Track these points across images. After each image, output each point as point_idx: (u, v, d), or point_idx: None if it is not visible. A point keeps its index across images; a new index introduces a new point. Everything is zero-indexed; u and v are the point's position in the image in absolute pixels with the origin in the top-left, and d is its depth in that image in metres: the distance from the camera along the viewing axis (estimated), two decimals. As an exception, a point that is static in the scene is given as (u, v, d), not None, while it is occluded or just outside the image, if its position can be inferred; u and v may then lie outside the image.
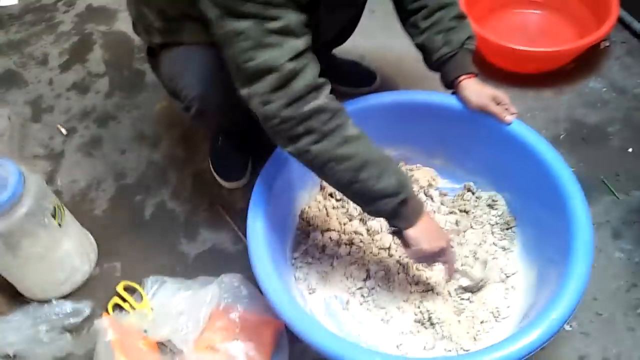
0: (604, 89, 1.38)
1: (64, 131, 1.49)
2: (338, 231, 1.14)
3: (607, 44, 1.47)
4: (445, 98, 1.10)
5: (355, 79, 1.43)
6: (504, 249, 1.08)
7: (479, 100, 1.03)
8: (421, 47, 1.06)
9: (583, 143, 1.25)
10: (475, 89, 1.04)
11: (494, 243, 1.09)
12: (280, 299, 0.87)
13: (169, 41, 1.01)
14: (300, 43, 0.80)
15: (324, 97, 0.83)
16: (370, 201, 0.88)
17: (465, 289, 1.03)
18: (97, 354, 0.94)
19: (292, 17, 0.79)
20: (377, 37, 1.60)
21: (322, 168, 0.85)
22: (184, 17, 0.95)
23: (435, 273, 1.05)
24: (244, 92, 0.82)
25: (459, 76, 1.03)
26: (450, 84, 1.06)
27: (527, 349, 0.76)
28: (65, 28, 1.82)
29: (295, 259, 1.12)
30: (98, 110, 1.54)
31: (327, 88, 0.84)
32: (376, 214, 0.91)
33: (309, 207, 1.19)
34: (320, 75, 0.84)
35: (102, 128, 1.50)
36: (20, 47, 1.77)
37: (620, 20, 1.48)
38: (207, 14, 0.79)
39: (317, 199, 1.20)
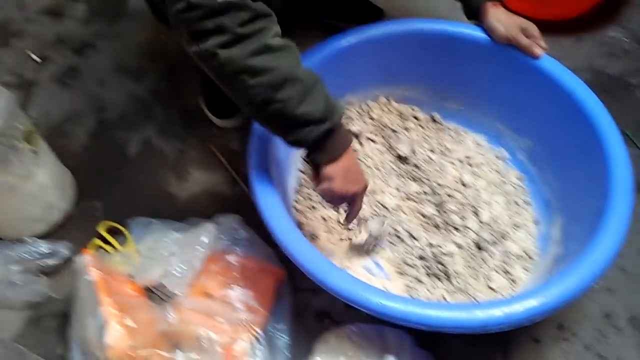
0: (625, 40, 1.30)
1: (36, 58, 1.34)
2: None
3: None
4: (464, 27, 1.00)
5: (358, 14, 1.31)
6: (517, 203, 1.02)
7: (507, 31, 0.94)
8: None
9: (604, 94, 1.15)
10: (503, 18, 0.95)
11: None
12: (293, 240, 0.78)
13: None
14: None
15: None
16: (289, 127, 0.74)
17: (355, 247, 0.95)
18: (78, 294, 0.83)
19: None
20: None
21: (231, 80, 0.71)
22: None
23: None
24: None
25: (485, 3, 0.94)
26: (474, 13, 0.97)
27: (568, 295, 0.70)
28: (36, -53, 1.63)
29: (297, 202, 1.03)
30: (74, 38, 1.38)
31: None
32: (296, 143, 0.76)
33: (313, 147, 1.09)
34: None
35: (79, 57, 1.35)
36: (-16, -35, 1.58)
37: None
38: None
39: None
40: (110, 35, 1.39)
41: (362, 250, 0.96)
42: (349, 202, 0.84)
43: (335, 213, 1.01)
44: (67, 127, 1.22)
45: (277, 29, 0.73)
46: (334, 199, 0.83)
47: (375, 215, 0.99)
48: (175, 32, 0.71)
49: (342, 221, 0.95)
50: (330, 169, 0.78)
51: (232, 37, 0.68)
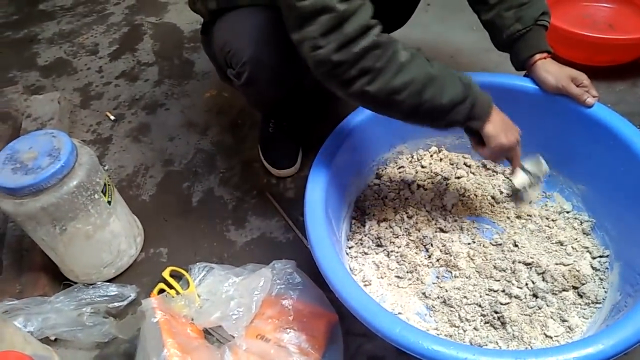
0: (683, 84, 1.28)
1: (112, 117, 1.47)
2: (395, 221, 1.07)
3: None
4: (515, 79, 1.03)
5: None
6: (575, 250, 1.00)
7: (557, 81, 0.95)
8: (489, 24, 1.00)
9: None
10: (553, 69, 0.96)
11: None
12: (347, 286, 0.80)
13: (224, 6, 0.97)
14: None
15: (373, 35, 0.76)
16: (441, 117, 0.84)
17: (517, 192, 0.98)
18: (143, 335, 0.89)
19: None
20: (432, 29, 1.54)
21: (385, 103, 0.82)
22: None
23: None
24: (295, 37, 0.78)
25: (533, 55, 0.97)
26: (523, 65, 0.99)
27: (626, 343, 0.67)
28: (115, 19, 1.83)
29: (350, 248, 1.06)
30: (146, 98, 1.53)
31: (378, 27, 0.78)
32: (450, 125, 0.86)
33: (364, 195, 1.12)
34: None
35: (151, 115, 1.48)
36: (71, 37, 1.79)
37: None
38: None
39: (372, 187, 1.14)
40: (178, 95, 1.51)
41: (526, 192, 0.97)
42: (510, 152, 0.90)
43: (387, 259, 1.03)
44: (138, 178, 1.32)
45: (399, 44, 0.80)
46: (505, 153, 0.90)
47: None
48: (327, 84, 0.81)
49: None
50: (489, 129, 0.86)
51: (374, 74, 0.78)
